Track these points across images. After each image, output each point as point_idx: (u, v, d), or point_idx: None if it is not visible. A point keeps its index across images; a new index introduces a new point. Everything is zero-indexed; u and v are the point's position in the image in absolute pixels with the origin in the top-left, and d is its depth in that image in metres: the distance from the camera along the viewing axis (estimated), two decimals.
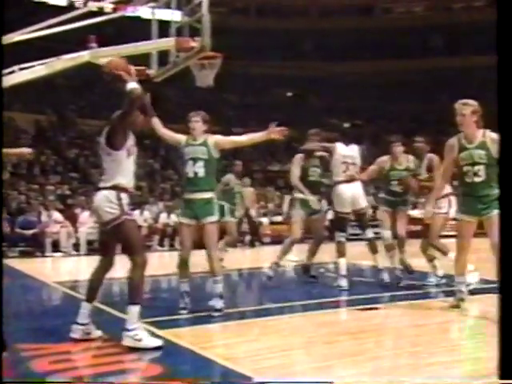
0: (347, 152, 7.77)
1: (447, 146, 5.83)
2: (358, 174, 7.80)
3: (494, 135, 5.39)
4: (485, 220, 5.62)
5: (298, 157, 8.30)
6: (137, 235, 5.05)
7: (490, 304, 5.91)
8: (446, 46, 41.51)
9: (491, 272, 6.23)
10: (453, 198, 7.38)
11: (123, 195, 4.85)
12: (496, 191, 5.35)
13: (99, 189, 4.99)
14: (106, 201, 4.83)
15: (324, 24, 41.39)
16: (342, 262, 7.70)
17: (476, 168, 5.56)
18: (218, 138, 6.35)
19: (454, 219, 6.43)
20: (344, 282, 7.59)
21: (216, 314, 6.01)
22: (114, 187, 4.84)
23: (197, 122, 6.33)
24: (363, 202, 7.71)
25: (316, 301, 6.85)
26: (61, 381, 3.20)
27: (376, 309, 6.50)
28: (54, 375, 4.01)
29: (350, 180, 7.60)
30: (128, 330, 4.61)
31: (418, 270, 8.03)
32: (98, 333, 5.11)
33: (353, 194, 7.57)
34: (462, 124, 5.62)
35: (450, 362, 4.34)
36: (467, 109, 5.59)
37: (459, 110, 5.64)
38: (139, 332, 4.60)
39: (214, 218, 6.19)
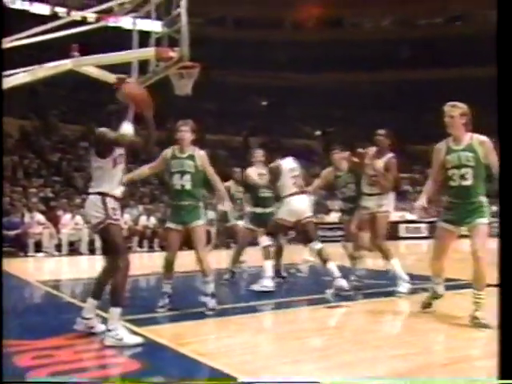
0: (293, 165, 7.71)
1: (435, 150, 5.58)
2: (303, 185, 7.70)
3: (483, 137, 5.22)
4: (468, 228, 5.30)
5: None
6: (120, 239, 5.00)
7: (449, 301, 6.03)
8: (412, 58, 41.95)
9: (457, 272, 6.42)
10: (392, 195, 7.35)
11: (109, 200, 4.82)
12: (482, 199, 5.22)
13: (88, 194, 5.01)
14: (92, 205, 4.84)
15: (297, 36, 41.64)
16: (268, 264, 7.56)
17: (463, 171, 5.22)
18: (205, 159, 6.26)
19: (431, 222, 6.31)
20: (270, 283, 7.42)
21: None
22: (100, 193, 4.83)
23: (186, 131, 6.16)
24: (308, 212, 7.45)
25: (286, 299, 6.82)
26: (61, 381, 3.17)
27: (342, 307, 6.53)
28: (36, 370, 3.98)
29: (300, 192, 7.55)
30: (109, 331, 4.58)
31: (379, 270, 8.12)
32: (101, 327, 5.06)
33: (302, 205, 7.47)
34: (451, 126, 5.34)
35: (409, 355, 4.39)
36: (456, 111, 5.32)
37: (448, 111, 5.38)
38: (119, 331, 4.58)
39: (201, 221, 6.16)
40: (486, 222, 5.16)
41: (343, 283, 6.96)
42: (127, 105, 5.05)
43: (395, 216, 24.84)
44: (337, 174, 7.93)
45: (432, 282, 5.85)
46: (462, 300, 6.60)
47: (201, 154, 6.22)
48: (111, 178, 4.88)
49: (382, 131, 7.32)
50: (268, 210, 8.24)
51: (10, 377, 3.71)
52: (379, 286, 7.55)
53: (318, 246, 7.23)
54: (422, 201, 5.59)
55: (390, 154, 7.21)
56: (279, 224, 7.52)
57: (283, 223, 7.44)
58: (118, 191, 5.00)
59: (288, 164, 7.63)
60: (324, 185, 8.21)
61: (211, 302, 6.03)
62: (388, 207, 7.29)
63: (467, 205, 5.24)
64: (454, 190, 5.33)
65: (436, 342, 4.86)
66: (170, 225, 6.21)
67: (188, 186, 6.12)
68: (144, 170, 6.53)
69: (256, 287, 7.42)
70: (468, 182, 5.21)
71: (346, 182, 7.80)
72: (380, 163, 7.09)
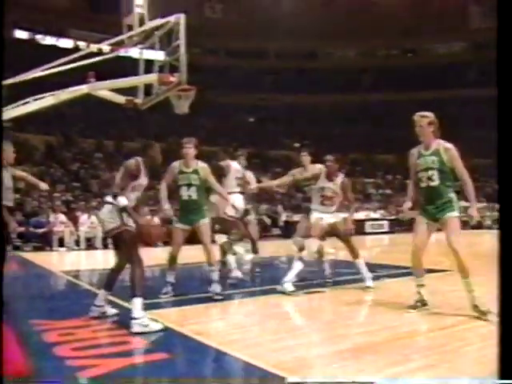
0: (238, 168, 7.66)
1: (410, 155, 5.33)
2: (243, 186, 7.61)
3: (448, 145, 5.04)
4: (440, 222, 5.09)
5: None
6: (133, 242, 4.97)
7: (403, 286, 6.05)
8: (373, 83, 42.28)
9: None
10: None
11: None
12: (450, 196, 5.06)
13: (106, 202, 4.99)
14: (108, 213, 4.86)
15: (279, 64, 41.79)
16: (231, 258, 7.47)
17: (430, 173, 5.05)
18: (207, 170, 6.20)
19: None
20: (239, 274, 7.38)
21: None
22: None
23: (190, 148, 6.13)
24: (230, 211, 7.33)
25: (270, 286, 6.78)
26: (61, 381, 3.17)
27: (319, 292, 6.53)
28: (60, 345, 3.98)
29: (240, 192, 7.51)
30: (135, 319, 4.46)
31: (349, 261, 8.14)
32: (113, 311, 5.10)
33: (239, 204, 7.46)
34: (421, 134, 5.12)
35: (373, 331, 4.43)
36: (424, 120, 5.09)
37: (417, 121, 5.13)
38: (145, 319, 4.49)
39: (206, 220, 6.14)
40: (456, 215, 5.02)
41: (238, 274, 7.27)
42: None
43: (362, 215, 25.02)
44: (303, 174, 7.57)
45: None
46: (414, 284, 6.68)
47: (203, 167, 6.19)
48: (128, 197, 4.85)
49: (330, 157, 6.90)
50: None
51: (39, 351, 3.73)
52: (350, 274, 7.56)
53: (222, 239, 7.40)
54: (407, 203, 5.39)
55: (342, 175, 6.91)
56: (226, 220, 7.44)
57: (227, 219, 7.40)
58: (132, 204, 4.95)
59: (236, 166, 7.63)
60: (290, 181, 7.96)
61: (217, 288, 6.02)
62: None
63: (437, 202, 5.07)
64: (423, 190, 5.19)
65: (394, 320, 4.87)
66: (178, 225, 6.13)
67: (194, 196, 6.10)
68: (165, 189, 6.27)
69: (228, 280, 7.24)
70: (435, 183, 5.07)
71: (310, 184, 7.30)
72: (336, 185, 6.76)
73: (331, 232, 6.68)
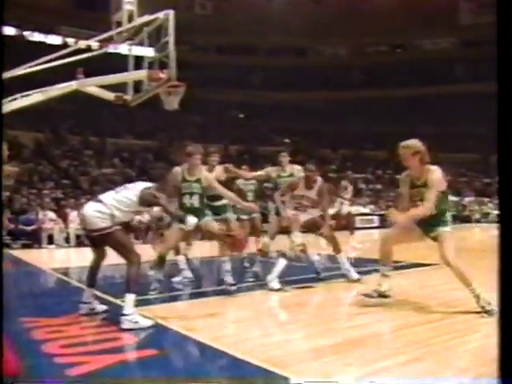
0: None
1: (401, 182, 5.16)
2: None
3: (433, 168, 4.85)
4: (434, 236, 4.99)
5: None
6: (127, 240, 4.94)
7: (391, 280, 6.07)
8: (363, 80, 42.43)
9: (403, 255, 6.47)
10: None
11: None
12: (442, 211, 4.94)
13: (97, 201, 4.90)
14: (98, 212, 4.76)
15: (269, 61, 41.75)
16: (182, 258, 7.53)
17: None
18: (210, 179, 6.18)
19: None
20: (189, 274, 7.38)
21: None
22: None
23: (196, 158, 6.06)
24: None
25: (260, 282, 6.78)
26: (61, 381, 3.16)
27: (308, 287, 6.54)
28: (49, 342, 3.96)
29: None
30: (126, 315, 4.45)
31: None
32: (102, 307, 5.10)
33: None
34: (408, 165, 4.97)
35: (362, 325, 4.46)
36: (408, 151, 4.88)
37: (402, 154, 4.94)
38: (135, 316, 4.48)
39: (210, 218, 6.17)
40: (448, 229, 4.94)
41: (188, 274, 7.28)
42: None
43: (352, 210, 25.08)
44: (280, 174, 7.63)
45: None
46: (404, 279, 6.73)
47: (206, 177, 6.16)
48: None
49: (311, 166, 6.80)
50: None
51: (27, 349, 3.70)
52: (338, 269, 7.56)
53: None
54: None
55: (319, 181, 6.82)
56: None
57: None
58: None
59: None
60: (264, 177, 7.99)
61: (229, 278, 6.07)
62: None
63: (430, 219, 4.89)
64: None
65: (382, 314, 4.90)
66: (182, 226, 5.96)
67: (196, 204, 6.10)
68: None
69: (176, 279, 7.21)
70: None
71: (286, 183, 7.28)
72: (313, 193, 6.71)
73: (311, 227, 6.71)
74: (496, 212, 28.86)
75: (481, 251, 11.26)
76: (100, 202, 4.84)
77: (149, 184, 5.04)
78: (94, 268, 5.14)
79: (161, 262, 6.11)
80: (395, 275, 6.58)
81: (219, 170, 7.38)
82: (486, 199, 30.65)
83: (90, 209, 4.82)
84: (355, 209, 25.30)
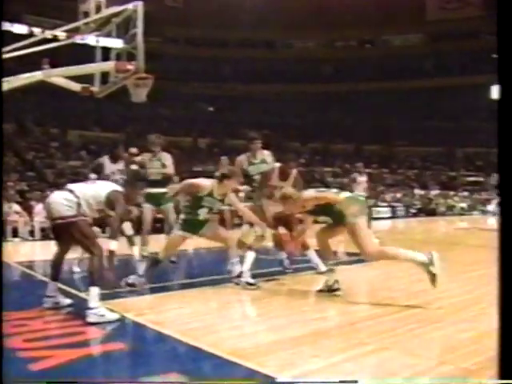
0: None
1: None
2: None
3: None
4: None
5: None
6: (91, 232, 4.87)
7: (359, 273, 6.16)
8: (332, 74, 42.75)
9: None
10: None
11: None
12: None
13: (65, 189, 4.84)
14: (65, 200, 4.68)
15: (239, 54, 41.65)
16: (135, 249, 7.60)
17: None
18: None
19: None
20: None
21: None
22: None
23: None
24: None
25: (225, 276, 6.71)
26: (61, 381, 3.09)
27: (276, 280, 6.57)
28: (13, 336, 3.89)
29: None
30: (91, 309, 4.39)
31: None
32: (67, 301, 5.00)
33: None
34: None
35: (329, 317, 4.59)
36: None
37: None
38: (101, 309, 4.42)
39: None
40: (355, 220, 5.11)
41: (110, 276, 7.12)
42: None
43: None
44: (251, 161, 7.20)
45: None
46: (371, 271, 6.83)
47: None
48: None
49: (289, 157, 6.81)
50: None
51: None
52: (306, 261, 7.61)
53: (129, 231, 7.51)
54: None
55: (295, 173, 6.70)
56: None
57: None
58: None
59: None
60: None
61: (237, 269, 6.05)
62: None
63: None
64: None
65: (349, 306, 4.97)
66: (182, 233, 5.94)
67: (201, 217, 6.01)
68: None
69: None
70: None
71: (258, 171, 7.02)
72: (288, 185, 6.45)
73: (281, 220, 6.66)
74: (461, 205, 29.54)
75: (446, 244, 11.52)
76: (68, 190, 4.78)
77: (119, 188, 5.03)
78: (58, 261, 5.04)
79: (156, 264, 6.00)
80: (360, 267, 6.69)
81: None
82: (451, 192, 31.30)
83: (57, 196, 4.76)
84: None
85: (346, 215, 5.12)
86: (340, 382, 2.91)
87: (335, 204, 5.22)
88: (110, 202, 4.81)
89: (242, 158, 7.22)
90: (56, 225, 4.78)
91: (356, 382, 2.87)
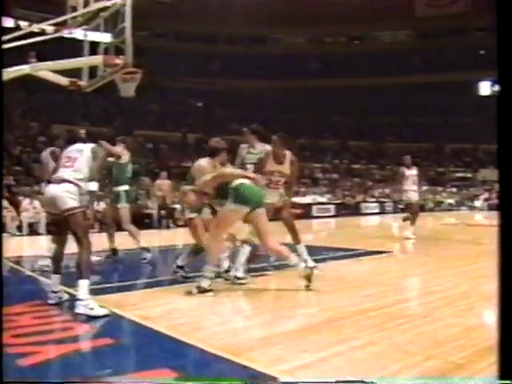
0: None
1: None
2: None
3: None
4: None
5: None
6: (86, 225, 4.87)
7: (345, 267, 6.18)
8: (321, 70, 42.81)
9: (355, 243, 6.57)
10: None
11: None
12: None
13: (67, 181, 4.81)
14: (67, 192, 4.71)
15: (228, 49, 41.56)
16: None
17: None
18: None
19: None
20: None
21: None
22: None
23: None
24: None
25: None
26: (61, 381, 3.06)
27: (264, 275, 6.58)
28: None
29: None
30: (81, 300, 4.39)
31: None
32: (66, 296, 5.00)
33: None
34: None
35: (317, 312, 4.56)
36: None
37: None
38: (91, 302, 4.41)
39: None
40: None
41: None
42: None
43: (309, 199, 25.36)
44: (250, 150, 7.17)
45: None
46: (359, 266, 6.86)
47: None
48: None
49: (276, 138, 6.57)
50: None
51: None
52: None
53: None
54: None
55: (289, 154, 6.62)
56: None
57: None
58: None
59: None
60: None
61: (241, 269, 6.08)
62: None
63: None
64: None
65: (337, 301, 4.99)
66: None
67: None
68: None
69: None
70: None
71: (254, 160, 6.92)
72: (285, 166, 6.52)
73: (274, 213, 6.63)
74: (449, 201, 29.76)
75: (434, 239, 11.58)
76: (65, 181, 4.77)
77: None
78: (59, 255, 5.02)
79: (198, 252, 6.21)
80: (348, 263, 6.71)
81: None
82: (440, 188, 31.52)
83: (60, 189, 4.73)
84: (312, 198, 25.62)
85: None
86: (343, 381, 2.86)
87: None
88: (97, 152, 5.04)
89: (243, 146, 7.25)
90: (61, 218, 4.77)
91: (361, 381, 2.83)
